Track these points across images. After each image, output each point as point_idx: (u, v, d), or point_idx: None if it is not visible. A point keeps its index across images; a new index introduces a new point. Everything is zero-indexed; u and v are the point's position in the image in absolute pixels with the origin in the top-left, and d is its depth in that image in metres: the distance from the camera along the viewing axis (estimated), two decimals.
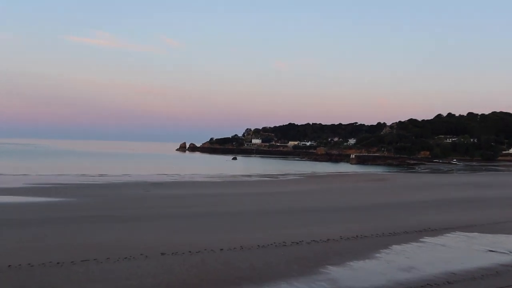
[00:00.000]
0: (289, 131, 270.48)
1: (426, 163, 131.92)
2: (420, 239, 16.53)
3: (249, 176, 69.41)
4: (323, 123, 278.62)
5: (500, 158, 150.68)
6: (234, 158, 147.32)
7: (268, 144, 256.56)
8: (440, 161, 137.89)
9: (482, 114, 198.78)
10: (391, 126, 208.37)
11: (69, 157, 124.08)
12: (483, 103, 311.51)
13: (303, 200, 30.66)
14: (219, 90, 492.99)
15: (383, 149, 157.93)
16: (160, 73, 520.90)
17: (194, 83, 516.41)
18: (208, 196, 32.64)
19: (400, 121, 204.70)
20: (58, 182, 44.29)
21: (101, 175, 58.27)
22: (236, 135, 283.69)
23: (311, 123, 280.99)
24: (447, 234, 17.47)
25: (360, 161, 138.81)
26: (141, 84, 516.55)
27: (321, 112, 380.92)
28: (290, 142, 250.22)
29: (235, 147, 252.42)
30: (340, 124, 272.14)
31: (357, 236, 16.73)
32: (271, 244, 14.97)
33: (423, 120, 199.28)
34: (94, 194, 32.33)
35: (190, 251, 13.80)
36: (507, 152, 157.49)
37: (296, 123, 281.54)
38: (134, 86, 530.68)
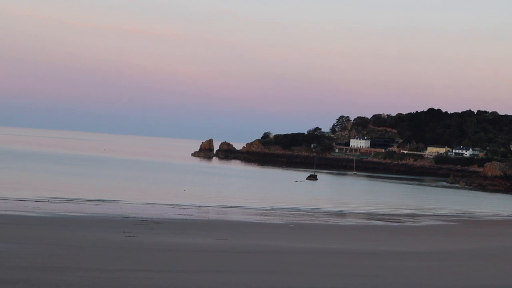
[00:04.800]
0: (429, 125, 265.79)
1: None
2: None
3: (342, 215, 68.96)
4: (499, 113, 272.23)
5: None
6: (312, 177, 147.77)
7: (384, 150, 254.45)
8: None
9: None
10: None
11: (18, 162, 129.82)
12: None
13: (449, 273, 29.73)
14: (280, 43, 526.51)
15: None
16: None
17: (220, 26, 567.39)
18: (252, 254, 32.32)
19: None
20: None
21: (61, 200, 61.22)
22: (317, 129, 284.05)
23: (474, 111, 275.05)
24: None
25: None
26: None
27: (494, 94, 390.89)
28: (429, 149, 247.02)
29: (314, 153, 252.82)
30: None
31: None
32: None
33: None
34: (35, 238, 32.95)
35: None
36: None
37: (442, 110, 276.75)
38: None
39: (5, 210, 48.87)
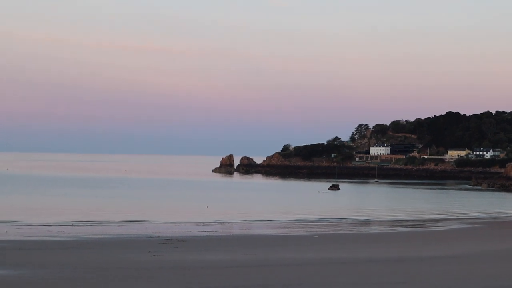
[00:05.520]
0: (448, 128, 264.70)
1: None
2: None
3: (366, 223, 69.02)
4: None
5: None
6: (334, 187, 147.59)
7: (404, 156, 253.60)
8: None
9: None
10: None
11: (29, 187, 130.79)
12: None
13: (478, 275, 29.57)
14: (299, 55, 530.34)
15: None
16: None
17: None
18: (279, 267, 32.23)
19: None
20: None
21: (85, 223, 61.95)
22: (337, 138, 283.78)
23: (493, 112, 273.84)
24: None
25: None
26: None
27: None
28: (449, 153, 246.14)
29: (335, 163, 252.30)
30: None
31: None
32: None
33: None
34: (61, 262, 33.15)
35: None
36: None
37: (460, 112, 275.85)
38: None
39: (30, 236, 49.17)
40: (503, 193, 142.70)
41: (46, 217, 68.16)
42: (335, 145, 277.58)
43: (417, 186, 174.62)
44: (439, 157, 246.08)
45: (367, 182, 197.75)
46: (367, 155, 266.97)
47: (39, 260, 34.36)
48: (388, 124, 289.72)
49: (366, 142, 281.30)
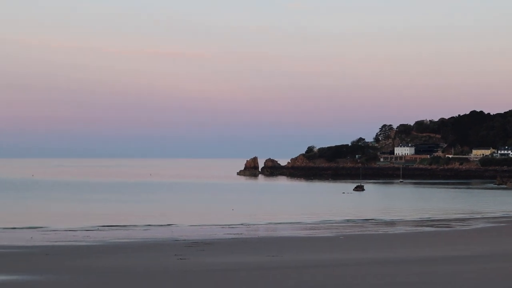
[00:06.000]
0: (472, 127, 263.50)
1: None
2: None
3: (391, 223, 69.08)
4: None
5: None
6: (359, 188, 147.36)
7: (429, 156, 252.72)
8: None
9: None
10: None
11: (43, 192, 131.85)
12: None
13: (504, 275, 29.38)
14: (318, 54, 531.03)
15: None
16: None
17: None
18: (305, 269, 32.23)
19: None
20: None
21: (110, 227, 62.53)
22: (361, 139, 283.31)
23: None
24: None
25: None
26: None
27: None
28: (474, 152, 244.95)
29: (359, 163, 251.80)
30: None
31: None
32: None
33: None
34: (87, 267, 33.36)
35: None
36: None
37: (484, 111, 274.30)
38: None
39: (56, 241, 49.53)
40: None
41: (71, 222, 68.63)
42: (359, 146, 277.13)
43: (442, 186, 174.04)
44: (464, 156, 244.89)
45: (392, 183, 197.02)
46: (392, 155, 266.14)
47: (66, 265, 34.62)
48: (412, 124, 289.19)
49: (390, 143, 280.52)
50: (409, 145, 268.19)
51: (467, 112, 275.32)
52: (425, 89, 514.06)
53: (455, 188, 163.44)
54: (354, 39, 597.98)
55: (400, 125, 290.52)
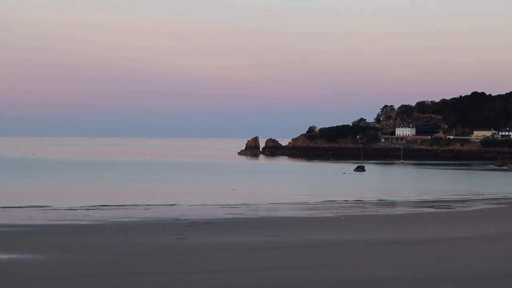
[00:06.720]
0: (473, 108, 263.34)
1: None
2: None
3: (392, 204, 69.06)
4: None
5: None
6: (360, 168, 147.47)
7: (430, 137, 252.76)
8: None
9: None
10: None
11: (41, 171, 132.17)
12: None
13: (504, 256, 29.42)
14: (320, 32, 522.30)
15: None
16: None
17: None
18: (304, 249, 32.34)
19: None
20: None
21: (111, 207, 62.64)
22: (362, 119, 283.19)
23: None
24: None
25: None
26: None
27: None
28: (475, 133, 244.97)
29: (360, 144, 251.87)
30: None
31: None
32: None
33: None
34: (87, 246, 33.36)
35: None
36: None
37: (486, 92, 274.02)
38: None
39: (57, 220, 49.60)
40: None
41: (72, 201, 68.65)
42: (360, 126, 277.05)
43: (443, 167, 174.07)
44: (465, 137, 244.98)
45: (393, 163, 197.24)
46: (393, 136, 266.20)
47: (66, 244, 34.66)
48: (413, 105, 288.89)
49: (391, 123, 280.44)
50: (410, 126, 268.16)
51: (469, 93, 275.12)
52: (427, 69, 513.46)
53: (456, 169, 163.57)
54: (356, 19, 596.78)
55: (401, 105, 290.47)
